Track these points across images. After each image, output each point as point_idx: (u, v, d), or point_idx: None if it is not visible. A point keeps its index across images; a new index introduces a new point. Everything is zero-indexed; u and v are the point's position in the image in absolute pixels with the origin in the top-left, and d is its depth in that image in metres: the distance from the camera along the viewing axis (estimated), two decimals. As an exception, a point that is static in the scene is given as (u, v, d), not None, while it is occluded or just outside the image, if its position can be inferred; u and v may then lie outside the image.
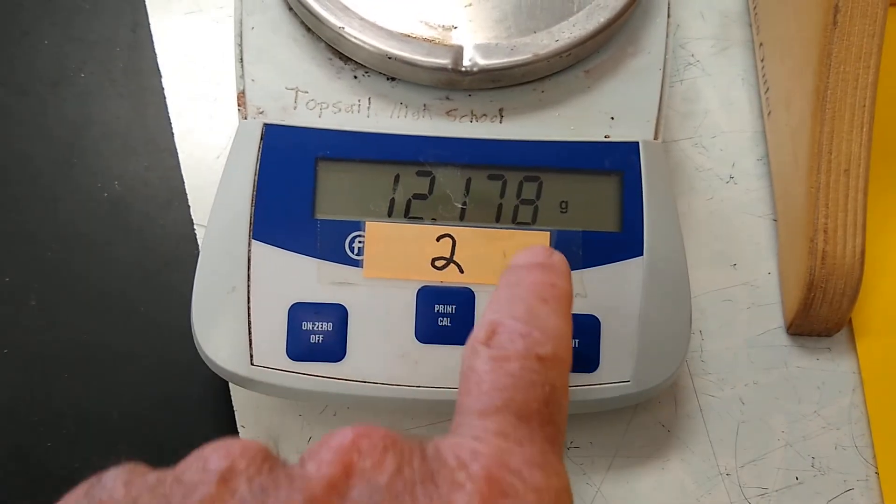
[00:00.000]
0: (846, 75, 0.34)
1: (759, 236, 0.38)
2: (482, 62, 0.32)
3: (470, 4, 0.33)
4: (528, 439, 0.22)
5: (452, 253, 0.32)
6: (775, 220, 0.38)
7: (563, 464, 0.23)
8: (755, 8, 0.42)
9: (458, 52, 0.32)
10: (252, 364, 0.31)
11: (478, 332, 0.24)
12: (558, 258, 0.27)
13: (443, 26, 0.33)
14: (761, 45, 0.41)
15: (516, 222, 0.32)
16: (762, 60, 0.40)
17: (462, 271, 0.32)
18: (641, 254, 0.32)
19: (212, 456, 0.21)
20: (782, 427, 0.35)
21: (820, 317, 0.35)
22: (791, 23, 0.37)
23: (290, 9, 0.34)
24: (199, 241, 0.37)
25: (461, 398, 0.24)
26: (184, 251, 0.37)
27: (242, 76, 0.33)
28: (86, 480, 0.22)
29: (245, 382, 0.31)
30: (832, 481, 0.34)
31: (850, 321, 0.36)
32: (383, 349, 0.31)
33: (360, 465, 0.20)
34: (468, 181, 0.32)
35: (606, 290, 0.31)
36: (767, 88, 0.40)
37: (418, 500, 0.20)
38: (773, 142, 0.39)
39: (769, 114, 0.39)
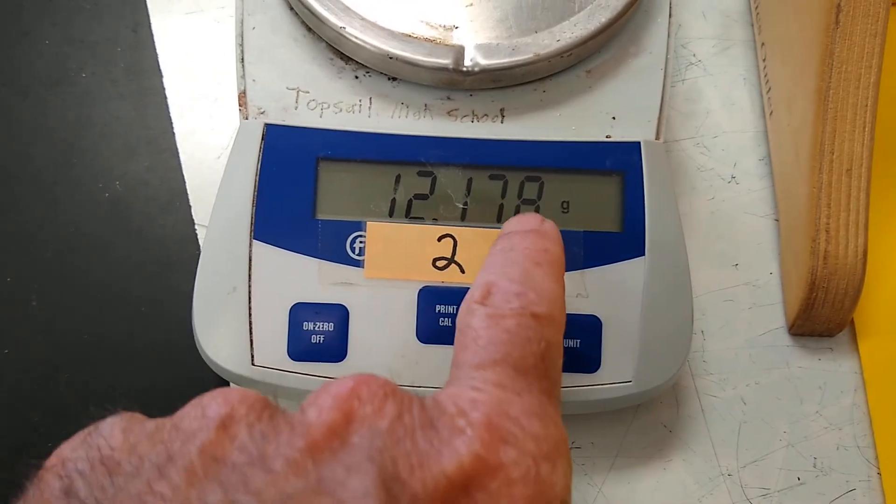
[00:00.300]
0: (848, 75, 0.34)
1: (761, 236, 0.38)
2: (483, 62, 0.32)
3: (471, 4, 0.33)
4: (526, 390, 0.22)
5: (454, 253, 0.32)
6: (777, 220, 0.38)
7: (560, 416, 0.23)
8: (757, 8, 0.42)
9: (459, 52, 0.32)
10: (253, 364, 0.31)
11: (473, 292, 0.25)
12: (550, 225, 0.27)
13: (444, 26, 0.33)
14: (763, 44, 0.41)
15: (518, 222, 0.32)
16: (764, 60, 0.40)
17: (463, 271, 0.32)
18: (643, 254, 0.32)
19: (210, 403, 0.21)
20: (784, 427, 0.35)
21: (822, 317, 0.35)
22: (793, 23, 0.37)
23: (291, 9, 0.34)
24: (201, 242, 0.37)
25: (457, 354, 0.24)
26: (185, 251, 0.37)
27: (243, 76, 0.33)
28: (83, 429, 0.22)
29: (246, 383, 0.31)
30: (834, 482, 0.34)
31: (852, 321, 0.36)
32: (384, 349, 0.31)
33: (361, 412, 0.21)
34: (469, 181, 0.32)
35: (608, 290, 0.31)
36: (769, 88, 0.40)
37: (419, 445, 0.20)
38: (774, 142, 0.39)
39: (771, 114, 0.39)
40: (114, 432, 0.21)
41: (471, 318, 0.24)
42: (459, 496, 0.20)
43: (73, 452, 0.21)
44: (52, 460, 0.21)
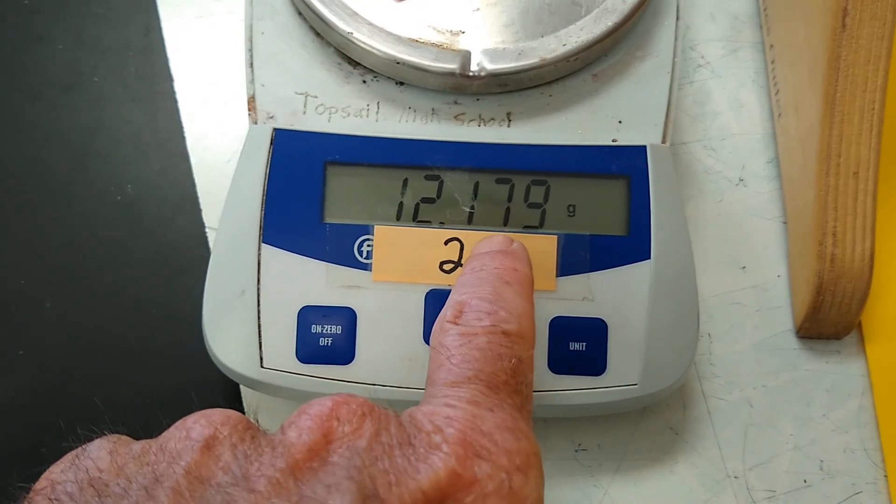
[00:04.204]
0: (855, 78, 0.34)
1: (769, 239, 0.38)
2: (490, 67, 0.32)
3: (478, 9, 0.33)
4: (498, 406, 0.23)
5: (460, 256, 0.32)
6: (785, 223, 0.38)
7: (531, 430, 0.23)
8: (765, 10, 0.42)
9: (465, 56, 0.32)
10: (262, 366, 0.31)
11: (446, 312, 0.26)
12: (518, 246, 0.29)
13: (451, 31, 0.33)
14: (771, 46, 0.41)
15: (524, 226, 0.32)
16: (772, 62, 0.40)
17: (470, 275, 0.32)
18: (649, 257, 0.32)
19: (194, 425, 0.22)
20: (791, 430, 0.35)
21: (829, 320, 0.35)
22: (800, 25, 0.37)
23: (300, 14, 0.34)
24: (211, 245, 0.38)
25: (432, 373, 0.24)
26: (195, 254, 0.38)
27: (252, 81, 0.33)
28: (71, 451, 0.22)
29: (255, 385, 0.31)
30: (840, 484, 0.34)
31: (859, 324, 0.36)
32: (392, 352, 0.31)
33: (340, 431, 0.21)
34: (476, 185, 0.32)
35: (614, 293, 0.32)
36: (777, 91, 0.40)
37: (396, 462, 0.21)
38: (782, 144, 0.39)
39: (779, 116, 0.39)
40: (101, 454, 0.22)
41: (444, 337, 0.25)
42: None
43: (62, 475, 0.21)
44: (42, 483, 0.22)
